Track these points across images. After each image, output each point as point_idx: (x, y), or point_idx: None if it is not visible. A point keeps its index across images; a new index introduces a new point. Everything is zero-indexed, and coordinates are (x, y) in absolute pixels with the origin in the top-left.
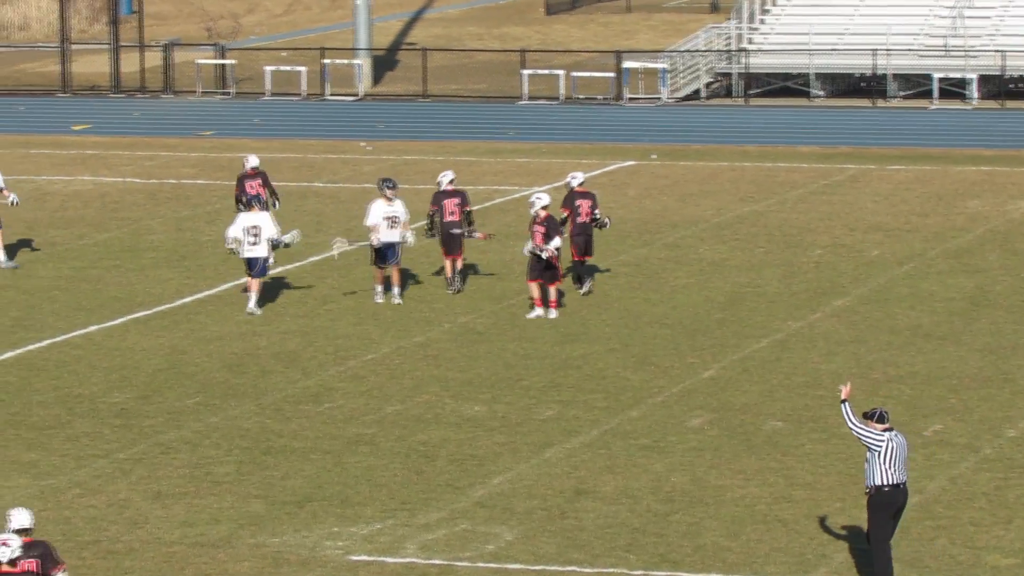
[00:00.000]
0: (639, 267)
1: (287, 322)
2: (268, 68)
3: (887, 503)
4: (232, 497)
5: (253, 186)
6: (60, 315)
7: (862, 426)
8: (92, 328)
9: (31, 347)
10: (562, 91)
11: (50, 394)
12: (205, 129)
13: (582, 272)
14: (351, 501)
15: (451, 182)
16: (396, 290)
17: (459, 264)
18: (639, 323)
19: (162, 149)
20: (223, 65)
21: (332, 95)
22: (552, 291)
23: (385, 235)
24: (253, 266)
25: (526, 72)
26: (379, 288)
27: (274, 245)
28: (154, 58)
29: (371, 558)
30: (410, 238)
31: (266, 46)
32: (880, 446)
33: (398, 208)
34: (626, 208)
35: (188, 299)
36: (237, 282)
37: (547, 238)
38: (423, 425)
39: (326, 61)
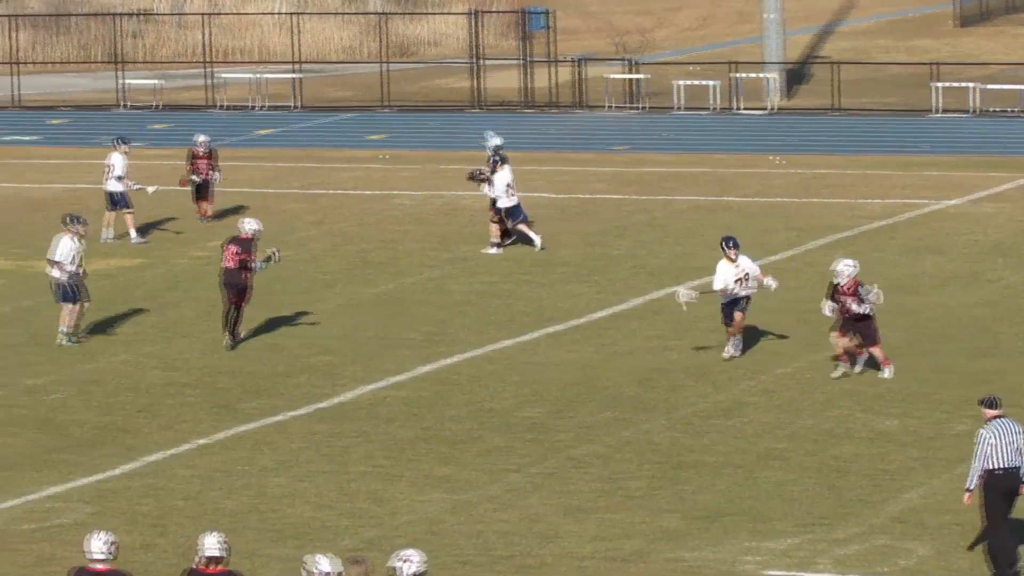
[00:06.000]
0: None
1: (698, 336)
2: (678, 82)
3: (998, 486)
4: (644, 512)
5: (201, 166)
6: (472, 329)
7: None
8: (504, 343)
9: (444, 362)
10: (973, 104)
11: (463, 408)
12: (617, 144)
13: None
14: (764, 516)
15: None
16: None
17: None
18: None
19: (573, 164)
20: (633, 80)
21: (743, 109)
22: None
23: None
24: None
25: (937, 85)
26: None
27: None
28: (564, 73)
29: (787, 573)
30: (772, 282)
31: (676, 60)
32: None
33: (744, 264)
34: None
35: (599, 314)
36: (650, 296)
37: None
38: (835, 440)
39: (737, 75)
